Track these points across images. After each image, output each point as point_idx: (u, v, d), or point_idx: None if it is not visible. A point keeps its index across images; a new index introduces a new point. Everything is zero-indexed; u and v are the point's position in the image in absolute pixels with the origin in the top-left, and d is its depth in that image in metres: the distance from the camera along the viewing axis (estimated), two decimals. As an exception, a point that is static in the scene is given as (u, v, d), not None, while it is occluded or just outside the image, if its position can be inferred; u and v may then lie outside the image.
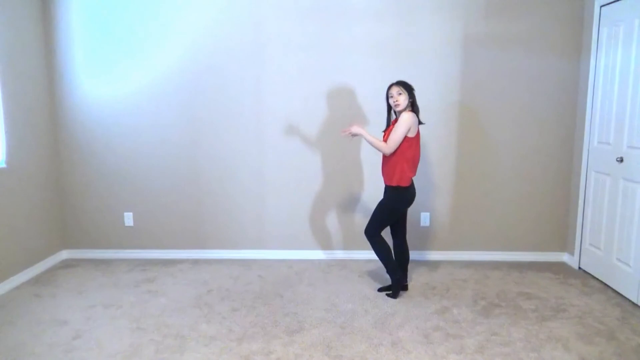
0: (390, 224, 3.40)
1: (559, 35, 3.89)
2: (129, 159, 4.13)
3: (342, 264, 4.08)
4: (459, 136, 4.02)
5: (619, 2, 3.45)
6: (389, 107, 3.26)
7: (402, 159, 3.15)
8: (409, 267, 3.68)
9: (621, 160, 3.41)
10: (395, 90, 3.15)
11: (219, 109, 4.05)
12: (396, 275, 3.35)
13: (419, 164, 3.34)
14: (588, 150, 3.83)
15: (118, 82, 4.03)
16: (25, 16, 3.76)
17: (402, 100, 3.13)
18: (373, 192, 4.11)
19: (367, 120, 4.00)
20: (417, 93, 3.22)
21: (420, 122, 3.19)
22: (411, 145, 3.15)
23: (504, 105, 3.98)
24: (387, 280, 3.56)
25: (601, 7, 3.64)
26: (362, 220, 4.15)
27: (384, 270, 3.87)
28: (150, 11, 3.94)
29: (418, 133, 3.18)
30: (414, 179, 3.32)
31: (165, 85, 4.02)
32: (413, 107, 3.18)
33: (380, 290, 3.50)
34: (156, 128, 4.08)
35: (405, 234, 3.45)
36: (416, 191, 3.35)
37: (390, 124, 3.29)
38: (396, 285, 3.38)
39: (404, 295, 3.40)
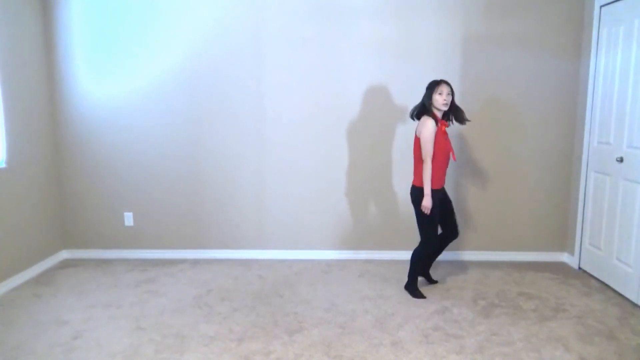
0: (429, 222, 3.30)
1: (559, 35, 3.88)
2: (129, 158, 4.13)
3: (342, 264, 4.08)
4: (458, 136, 4.02)
5: (619, 2, 3.45)
6: (427, 103, 3.21)
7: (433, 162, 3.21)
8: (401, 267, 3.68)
9: (621, 160, 3.41)
10: (446, 89, 3.16)
11: (219, 109, 4.04)
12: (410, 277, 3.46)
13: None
14: (588, 150, 3.83)
15: (118, 82, 4.03)
16: (26, 16, 3.76)
17: (449, 101, 3.19)
18: (372, 192, 4.11)
19: (366, 119, 4.01)
20: (417, 93, 3.30)
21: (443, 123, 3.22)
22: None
23: (504, 105, 3.98)
24: (393, 279, 3.56)
25: (601, 7, 3.64)
26: (361, 220, 4.15)
27: (383, 270, 3.89)
28: (150, 11, 3.93)
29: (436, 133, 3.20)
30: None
31: (165, 86, 4.02)
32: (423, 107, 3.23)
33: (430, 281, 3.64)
34: (156, 128, 4.08)
35: (444, 234, 3.45)
36: (441, 188, 3.33)
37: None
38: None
39: (404, 296, 3.40)
